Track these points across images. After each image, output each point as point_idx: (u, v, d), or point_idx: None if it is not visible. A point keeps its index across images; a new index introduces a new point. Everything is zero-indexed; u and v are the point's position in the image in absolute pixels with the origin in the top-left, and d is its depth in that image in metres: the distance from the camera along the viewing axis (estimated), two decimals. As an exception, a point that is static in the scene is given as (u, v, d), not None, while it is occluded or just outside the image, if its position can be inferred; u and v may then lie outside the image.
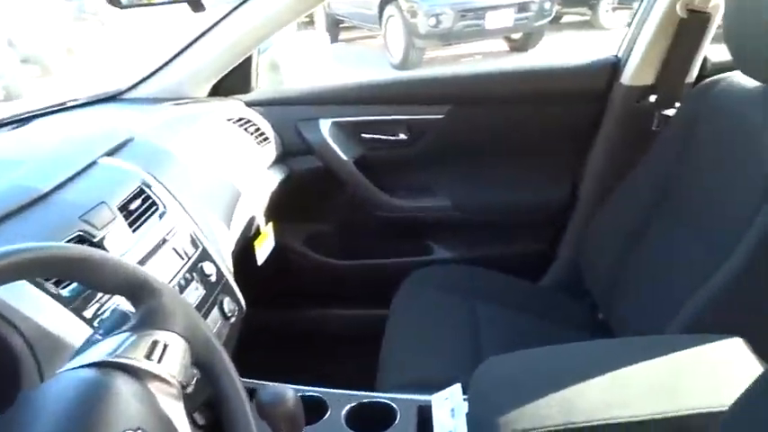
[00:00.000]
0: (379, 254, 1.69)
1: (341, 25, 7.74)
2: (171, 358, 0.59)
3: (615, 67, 1.46)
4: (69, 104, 1.42)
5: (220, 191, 1.23)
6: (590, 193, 1.53)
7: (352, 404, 1.04)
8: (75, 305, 0.74)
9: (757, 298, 0.93)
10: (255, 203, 1.38)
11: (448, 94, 1.53)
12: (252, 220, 1.34)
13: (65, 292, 0.74)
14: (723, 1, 1.24)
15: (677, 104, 1.37)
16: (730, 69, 1.21)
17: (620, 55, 1.46)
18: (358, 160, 1.59)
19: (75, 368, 0.54)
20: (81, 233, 0.82)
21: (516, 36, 6.78)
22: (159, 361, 0.57)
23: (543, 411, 0.83)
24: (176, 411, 0.56)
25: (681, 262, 1.12)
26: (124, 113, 1.37)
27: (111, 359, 0.55)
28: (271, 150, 1.53)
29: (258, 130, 1.51)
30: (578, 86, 1.49)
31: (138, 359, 0.56)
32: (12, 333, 0.67)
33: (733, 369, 0.84)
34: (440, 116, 1.54)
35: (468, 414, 0.94)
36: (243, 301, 1.07)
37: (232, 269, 1.11)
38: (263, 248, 1.40)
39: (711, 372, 0.85)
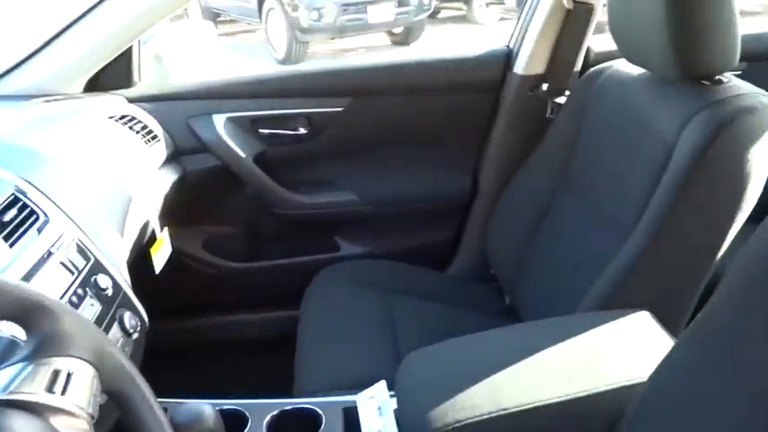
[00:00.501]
0: (285, 254, 1.63)
1: (218, 18, 7.44)
2: (77, 388, 0.51)
3: (508, 57, 1.50)
4: None
5: (108, 195, 1.11)
6: (490, 181, 1.57)
7: (274, 413, 0.98)
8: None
9: (660, 273, 0.99)
10: (148, 207, 1.27)
11: (348, 87, 1.50)
12: (146, 225, 1.23)
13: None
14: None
15: (567, 93, 1.43)
16: (612, 58, 1.29)
17: (511, 45, 1.51)
18: (257, 157, 1.51)
19: None
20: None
21: (398, 30, 6.89)
22: (63, 392, 0.50)
23: (471, 402, 0.83)
24: None
25: (584, 244, 1.17)
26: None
27: (3, 397, 0.47)
28: (161, 149, 1.41)
29: (145, 127, 1.39)
30: (474, 77, 1.51)
31: (36, 393, 0.48)
32: None
33: (644, 342, 0.89)
34: (340, 109, 1.50)
35: (396, 411, 0.92)
36: (145, 315, 0.97)
37: (129, 280, 1.01)
38: (160, 255, 1.29)
39: (625, 346, 0.89)
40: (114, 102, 1.38)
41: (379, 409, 0.96)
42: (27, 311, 0.51)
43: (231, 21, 7.46)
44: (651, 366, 0.76)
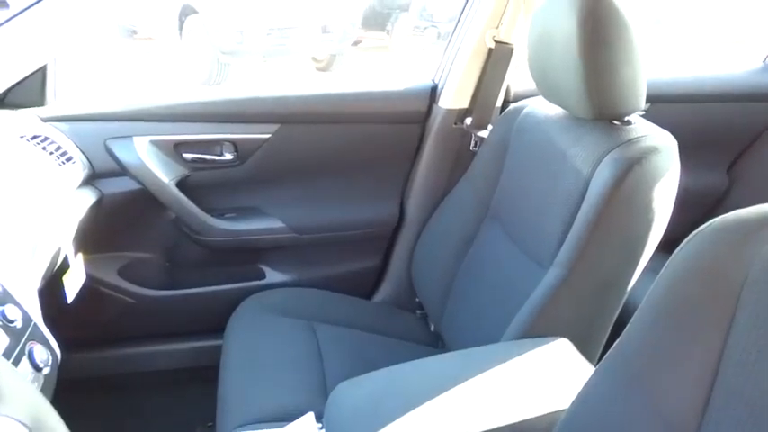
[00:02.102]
0: (207, 281, 1.58)
1: (135, 35, 7.21)
2: None
3: (433, 91, 1.55)
4: None
5: (16, 219, 1.04)
6: (416, 210, 1.60)
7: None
8: None
9: (577, 302, 1.04)
10: (61, 232, 1.20)
11: (276, 113, 1.49)
12: (58, 251, 1.16)
13: None
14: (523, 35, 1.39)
15: (490, 126, 1.50)
16: (529, 96, 1.36)
17: (436, 80, 1.56)
18: (180, 182, 1.47)
19: None
20: None
21: (322, 57, 6.94)
22: None
23: None
24: None
25: (507, 274, 1.22)
26: None
27: None
28: (77, 172, 1.34)
29: (59, 148, 1.32)
30: (401, 108, 1.55)
31: None
32: None
33: (565, 370, 0.93)
34: (268, 135, 1.49)
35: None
36: (56, 347, 0.91)
37: (40, 311, 0.95)
38: (73, 283, 1.22)
39: (547, 374, 0.93)
40: (27, 119, 1.31)
41: (308, 441, 0.95)
42: None
43: (149, 38, 7.24)
44: (572, 394, 0.80)
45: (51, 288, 1.13)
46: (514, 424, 0.83)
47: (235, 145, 1.49)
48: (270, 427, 1.01)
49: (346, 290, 1.59)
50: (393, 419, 0.85)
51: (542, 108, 1.26)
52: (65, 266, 1.19)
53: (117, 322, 1.52)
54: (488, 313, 1.21)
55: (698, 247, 0.64)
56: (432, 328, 1.51)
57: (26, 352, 0.83)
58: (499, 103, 1.54)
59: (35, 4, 1.21)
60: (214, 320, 1.48)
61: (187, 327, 1.57)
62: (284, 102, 1.47)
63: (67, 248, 1.21)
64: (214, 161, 1.48)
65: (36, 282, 1.00)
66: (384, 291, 1.68)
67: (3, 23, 1.23)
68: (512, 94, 1.57)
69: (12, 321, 0.84)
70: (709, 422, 0.59)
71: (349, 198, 1.60)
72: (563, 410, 0.81)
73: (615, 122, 1.10)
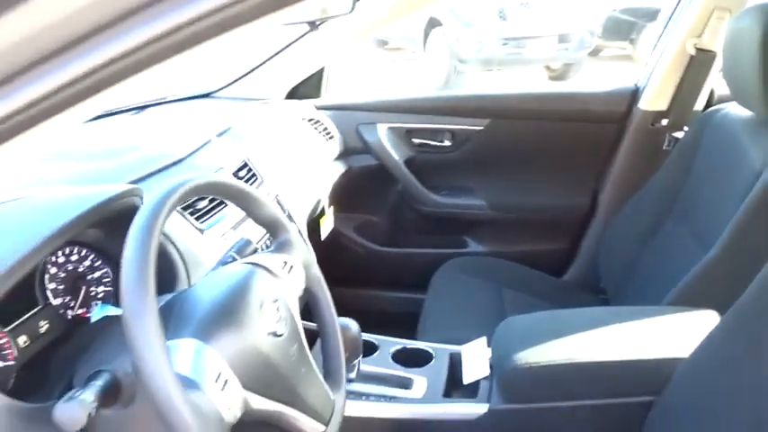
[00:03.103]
0: (420, 244, 1.94)
1: (385, 46, 8.07)
2: (296, 275, 0.85)
3: (635, 93, 1.70)
4: (170, 99, 1.71)
5: (298, 173, 1.50)
6: (609, 201, 1.76)
7: (397, 347, 1.28)
8: (209, 235, 1.02)
9: (732, 278, 1.15)
10: (321, 188, 1.65)
11: (487, 110, 1.79)
12: (318, 201, 1.61)
13: (203, 226, 1.01)
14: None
15: (686, 128, 1.60)
16: (730, 101, 1.44)
17: (639, 83, 1.70)
18: (408, 161, 1.85)
19: (235, 263, 0.81)
20: None
21: (556, 66, 7.00)
22: (288, 272, 0.83)
23: (547, 352, 1.07)
24: (295, 306, 0.82)
25: (677, 254, 1.34)
26: (219, 108, 1.67)
27: (259, 262, 0.81)
28: (335, 147, 1.80)
29: (325, 129, 1.79)
30: (602, 108, 1.73)
31: (276, 269, 0.82)
32: (171, 247, 0.94)
33: (700, 331, 1.06)
34: (480, 128, 1.80)
35: (490, 358, 1.18)
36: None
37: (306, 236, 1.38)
38: (326, 226, 1.66)
39: (683, 332, 1.08)
40: (307, 107, 1.80)
41: (478, 356, 1.22)
42: (275, 224, 0.86)
43: (395, 48, 8.05)
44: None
45: (311, 225, 1.57)
46: (635, 360, 1.01)
47: (453, 134, 1.82)
48: (453, 345, 1.30)
49: (536, 266, 1.81)
50: (543, 343, 1.09)
51: (735, 110, 1.36)
52: (322, 212, 1.64)
53: (348, 268, 1.95)
54: (654, 284, 1.35)
55: None
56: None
57: None
58: (700, 107, 1.62)
59: (313, 29, 1.68)
60: (421, 277, 1.82)
61: (399, 279, 1.93)
62: (495, 99, 1.76)
63: (324, 201, 1.65)
64: (435, 146, 1.84)
65: (305, 215, 1.44)
66: (572, 272, 1.86)
67: (295, 41, 1.73)
68: (715, 97, 1.64)
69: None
70: None
71: (546, 186, 1.82)
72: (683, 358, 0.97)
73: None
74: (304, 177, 1.54)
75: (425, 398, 1.15)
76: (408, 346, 1.29)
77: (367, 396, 1.15)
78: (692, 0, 1.52)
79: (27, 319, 0.82)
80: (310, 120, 1.75)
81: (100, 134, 1.29)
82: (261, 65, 1.77)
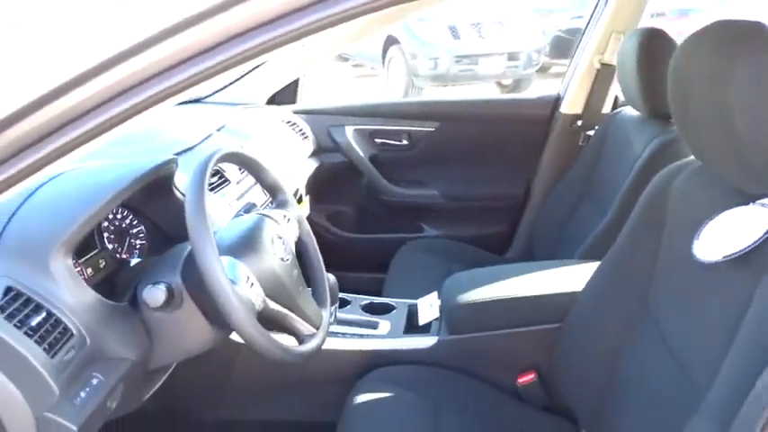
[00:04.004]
0: (382, 230, 2.25)
1: (346, 62, 8.43)
2: (293, 225, 1.15)
3: (557, 100, 2.07)
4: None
5: (279, 165, 1.80)
6: (540, 188, 2.12)
7: (366, 301, 1.59)
8: (219, 202, 1.31)
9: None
10: (299, 179, 1.95)
11: (438, 114, 2.13)
12: (297, 190, 1.91)
13: (215, 197, 1.31)
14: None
15: (596, 128, 1.97)
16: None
17: (560, 92, 2.08)
18: (371, 158, 2.17)
19: (249, 214, 1.11)
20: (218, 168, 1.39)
21: (507, 82, 7.47)
22: (287, 222, 1.13)
23: (482, 293, 1.39)
24: (293, 247, 1.12)
25: (588, 224, 1.70)
26: (210, 111, 1.95)
27: (266, 213, 1.11)
28: (309, 146, 2.11)
29: (301, 130, 2.09)
30: (531, 112, 2.09)
31: (278, 218, 1.12)
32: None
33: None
34: (431, 129, 2.14)
35: (440, 304, 1.50)
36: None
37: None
38: (303, 212, 1.96)
39: (580, 275, 1.40)
40: (285, 111, 2.10)
41: (431, 305, 1.54)
42: (275, 187, 1.16)
43: (357, 65, 8.42)
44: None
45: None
46: (547, 294, 1.35)
47: (409, 134, 2.15)
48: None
49: (482, 246, 2.15)
50: (478, 287, 1.41)
51: (630, 111, 1.73)
52: (300, 200, 1.94)
53: (323, 252, 2.24)
54: (573, 239, 1.71)
55: None
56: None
57: None
58: (608, 110, 2.00)
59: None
60: (383, 258, 2.12)
61: (364, 261, 2.23)
62: (443, 105, 2.11)
63: (302, 190, 1.95)
64: (394, 145, 2.17)
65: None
66: (512, 251, 2.20)
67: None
68: (619, 102, 2.02)
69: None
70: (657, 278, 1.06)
71: (487, 176, 2.17)
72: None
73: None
74: (285, 169, 1.84)
75: (388, 334, 1.46)
76: (375, 301, 1.60)
77: (343, 334, 1.45)
78: (597, 24, 1.90)
79: (91, 256, 1.10)
80: (288, 122, 2.05)
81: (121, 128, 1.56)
82: (245, 75, 2.07)
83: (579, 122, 2.02)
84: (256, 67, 2.05)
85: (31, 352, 0.81)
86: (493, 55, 6.81)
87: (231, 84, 2.07)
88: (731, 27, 0.84)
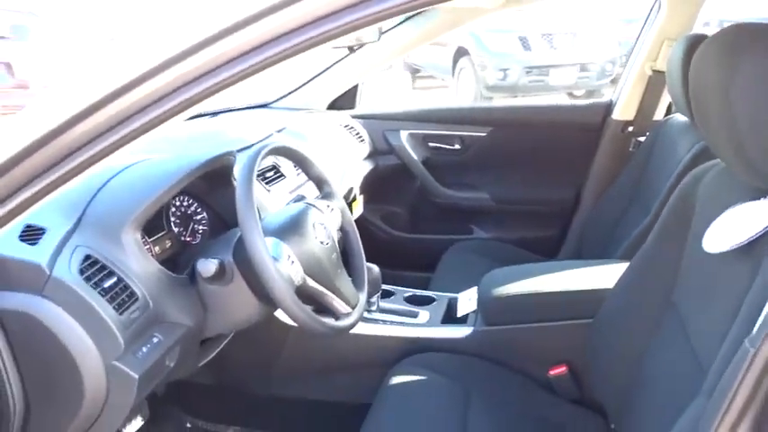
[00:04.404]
0: (433, 231, 2.34)
1: (417, 74, 8.56)
2: (336, 215, 1.26)
3: (608, 106, 2.09)
4: (234, 108, 2.17)
5: (336, 165, 1.93)
6: (590, 193, 2.14)
7: (409, 293, 1.68)
8: (273, 192, 1.45)
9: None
10: (354, 180, 2.07)
11: (490, 119, 2.20)
12: (351, 189, 2.03)
13: (270, 188, 1.45)
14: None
15: (647, 134, 1.98)
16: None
17: (612, 98, 2.10)
18: (425, 161, 2.27)
19: (296, 203, 1.23)
20: (274, 164, 1.53)
21: (578, 93, 7.36)
22: (331, 212, 1.25)
23: (518, 287, 1.45)
24: (335, 234, 1.23)
25: (631, 225, 1.72)
26: (274, 115, 2.11)
27: (311, 203, 1.23)
28: (365, 148, 2.23)
29: (358, 134, 2.22)
30: (583, 119, 2.12)
31: (322, 208, 1.23)
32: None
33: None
34: (483, 134, 2.21)
35: (477, 297, 1.56)
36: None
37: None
38: (356, 211, 2.08)
39: (614, 273, 1.44)
40: (344, 116, 2.24)
41: (470, 299, 1.61)
42: (321, 180, 1.28)
43: (429, 77, 8.53)
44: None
45: (346, 207, 1.99)
46: (579, 290, 1.39)
47: (462, 139, 2.23)
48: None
49: (531, 249, 2.19)
50: (512, 282, 1.47)
51: (679, 118, 1.74)
52: (353, 199, 2.05)
53: (374, 250, 2.35)
54: (614, 243, 1.73)
55: None
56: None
57: None
58: (659, 116, 2.01)
59: (351, 53, 2.12)
60: (432, 258, 2.20)
61: (414, 260, 2.31)
62: (496, 111, 2.18)
63: (356, 189, 2.07)
64: (447, 149, 2.25)
65: (340, 197, 1.86)
66: (562, 255, 2.23)
67: (335, 63, 2.17)
68: (673, 108, 2.02)
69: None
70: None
71: (538, 182, 2.21)
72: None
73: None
74: (340, 169, 1.96)
75: (427, 323, 1.55)
76: (417, 293, 1.69)
77: (384, 321, 1.55)
78: (649, 32, 1.91)
79: (161, 236, 1.25)
80: (346, 126, 2.18)
81: (191, 128, 1.74)
82: (308, 82, 2.22)
83: (630, 128, 2.03)
84: (318, 75, 2.20)
85: (104, 309, 0.96)
86: (564, 66, 6.74)
87: (295, 90, 2.22)
88: (742, 29, 0.88)
